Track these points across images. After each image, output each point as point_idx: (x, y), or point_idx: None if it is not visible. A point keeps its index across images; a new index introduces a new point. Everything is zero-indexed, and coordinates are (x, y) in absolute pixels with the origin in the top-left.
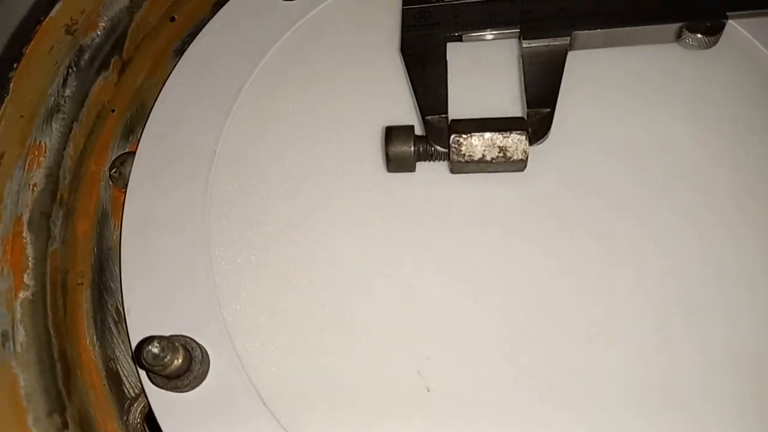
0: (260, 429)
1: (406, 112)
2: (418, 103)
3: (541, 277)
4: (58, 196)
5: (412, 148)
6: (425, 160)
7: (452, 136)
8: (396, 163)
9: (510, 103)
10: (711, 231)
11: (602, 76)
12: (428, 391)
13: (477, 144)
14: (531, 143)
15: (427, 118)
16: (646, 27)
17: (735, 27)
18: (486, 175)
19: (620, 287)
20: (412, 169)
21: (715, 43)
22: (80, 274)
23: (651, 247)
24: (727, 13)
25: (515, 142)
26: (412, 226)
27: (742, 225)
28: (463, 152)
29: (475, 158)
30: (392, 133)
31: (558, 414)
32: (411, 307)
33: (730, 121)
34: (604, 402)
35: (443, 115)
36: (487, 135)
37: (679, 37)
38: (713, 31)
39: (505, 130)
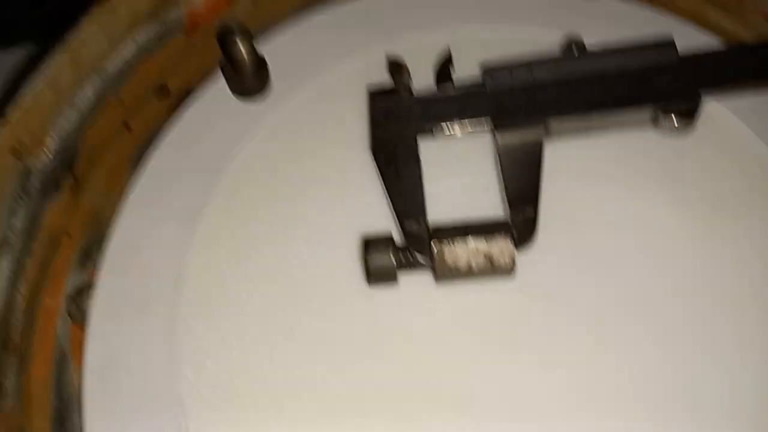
0: None
1: (382, 216)
2: (394, 210)
3: (539, 391)
4: (10, 345)
5: (393, 260)
6: (407, 270)
7: (434, 245)
8: (377, 277)
9: (490, 200)
10: (713, 321)
11: (583, 166)
12: None
13: (460, 253)
14: (518, 248)
15: (405, 225)
16: (619, 112)
17: (716, 105)
18: (473, 282)
19: (622, 395)
20: (394, 280)
21: (692, 125)
22: (38, 430)
23: (651, 345)
24: (700, 92)
25: (501, 248)
26: (397, 342)
27: (744, 311)
28: (446, 262)
29: (460, 267)
30: (370, 246)
31: None
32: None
33: (723, 206)
34: None
35: (422, 221)
36: (471, 242)
37: (655, 121)
38: (689, 113)
39: (489, 235)
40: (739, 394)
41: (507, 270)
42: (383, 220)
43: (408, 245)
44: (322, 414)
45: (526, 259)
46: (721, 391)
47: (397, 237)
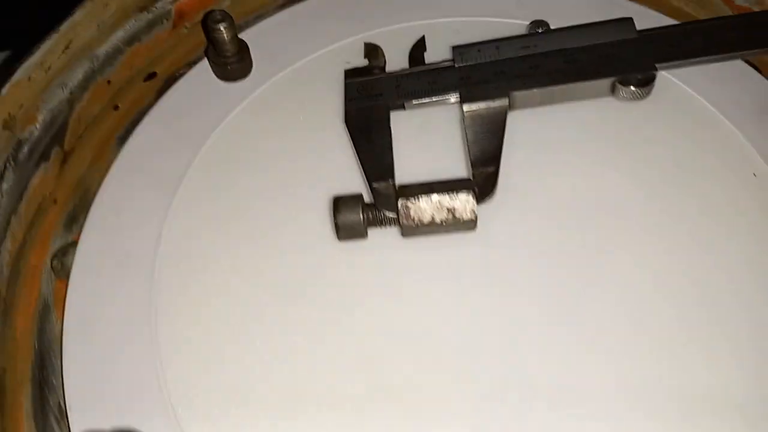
0: None
1: (354, 181)
2: (364, 172)
3: (501, 337)
4: None
5: (361, 216)
6: (376, 226)
7: (400, 201)
8: (346, 231)
9: (456, 165)
10: (665, 274)
11: (544, 132)
12: None
13: (425, 207)
14: (479, 202)
15: (374, 185)
16: (580, 84)
17: (666, 76)
18: (438, 236)
19: (582, 341)
20: (363, 235)
21: (648, 93)
22: (20, 371)
23: (607, 293)
24: (656, 65)
25: (463, 202)
26: (367, 293)
27: (694, 263)
28: (411, 216)
29: (425, 221)
30: (340, 203)
31: None
32: (370, 377)
33: (675, 166)
34: None
35: (390, 182)
36: (435, 197)
37: (613, 90)
38: (645, 82)
39: (452, 191)
40: (682, 341)
41: (469, 223)
42: (354, 185)
43: (376, 203)
44: (291, 358)
45: (488, 213)
46: (657, 333)
47: (367, 196)
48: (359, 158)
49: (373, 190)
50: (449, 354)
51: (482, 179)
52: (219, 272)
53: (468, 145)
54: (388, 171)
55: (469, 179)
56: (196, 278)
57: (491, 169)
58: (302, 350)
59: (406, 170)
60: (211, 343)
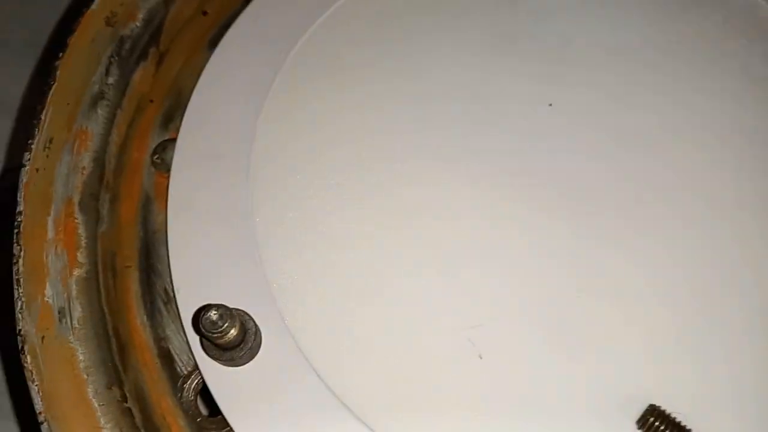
0: (316, 401)
1: None
2: None
3: (584, 243)
4: (105, 181)
5: None
6: None
7: None
8: None
9: None
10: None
11: None
12: (480, 358)
13: None
14: None
15: None
16: None
17: None
18: None
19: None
20: None
21: None
22: (127, 257)
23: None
24: None
25: None
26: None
27: None
28: None
29: None
30: None
31: (612, 371)
32: (454, 278)
33: None
34: (659, 361)
35: None
36: None
37: None
38: None
39: None
40: None
41: None
42: None
43: None
44: (383, 242)
45: None
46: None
47: None
48: None
49: None
50: (528, 254)
51: None
52: (311, 169)
53: None
54: None
55: None
56: (292, 172)
57: None
58: (388, 242)
59: None
60: (305, 231)
